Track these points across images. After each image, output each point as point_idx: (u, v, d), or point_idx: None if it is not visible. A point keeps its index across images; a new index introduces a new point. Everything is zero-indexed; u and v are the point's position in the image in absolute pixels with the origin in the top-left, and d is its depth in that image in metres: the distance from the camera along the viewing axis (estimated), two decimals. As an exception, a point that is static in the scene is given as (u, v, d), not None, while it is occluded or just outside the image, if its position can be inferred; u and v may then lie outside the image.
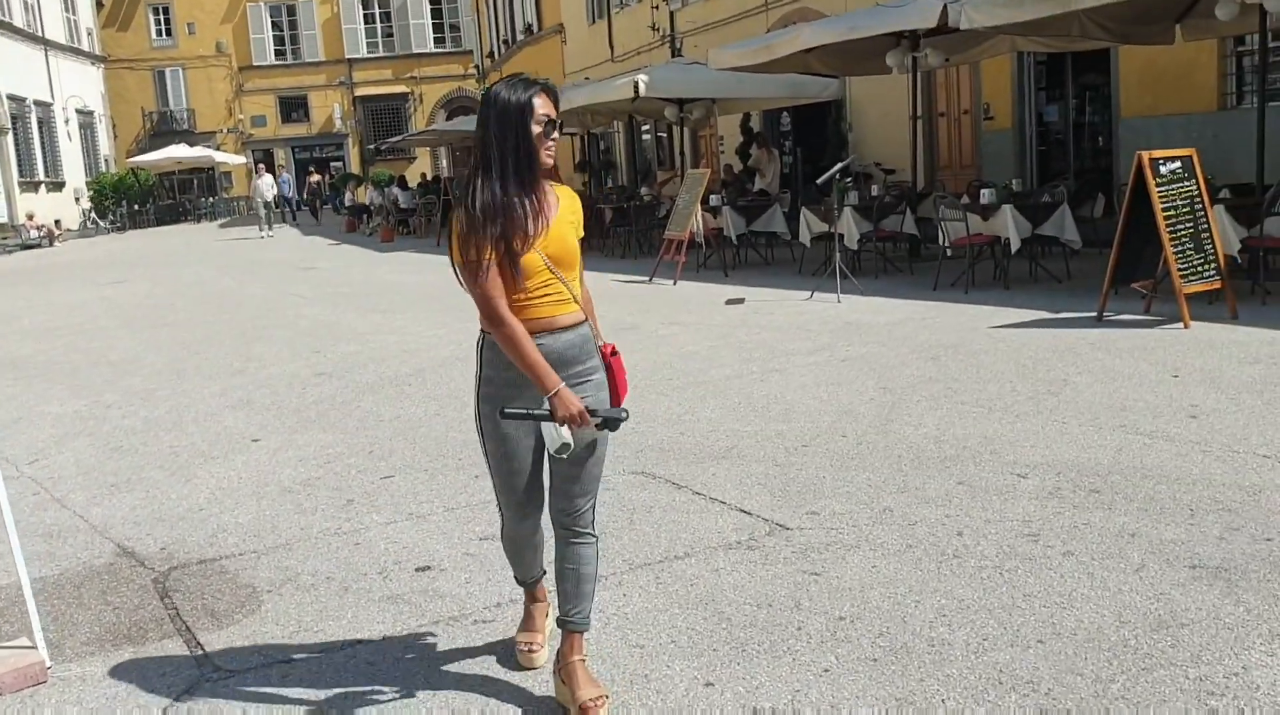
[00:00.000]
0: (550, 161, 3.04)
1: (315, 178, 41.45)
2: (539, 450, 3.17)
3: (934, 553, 4.14)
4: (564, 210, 3.09)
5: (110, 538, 4.98)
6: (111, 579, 4.46)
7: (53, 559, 4.74)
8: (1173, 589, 3.69)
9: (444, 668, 3.49)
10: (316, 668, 3.54)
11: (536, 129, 2.97)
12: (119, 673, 3.59)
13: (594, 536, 3.25)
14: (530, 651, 3.47)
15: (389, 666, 3.52)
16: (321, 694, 3.36)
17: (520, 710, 3.21)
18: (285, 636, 3.79)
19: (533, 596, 3.55)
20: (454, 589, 4.14)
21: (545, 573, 3.53)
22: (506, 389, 3.11)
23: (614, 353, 3.23)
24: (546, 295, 3.04)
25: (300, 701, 3.32)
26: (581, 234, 3.18)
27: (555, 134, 3.03)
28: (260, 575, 4.40)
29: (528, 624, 3.54)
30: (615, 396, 3.20)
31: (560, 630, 3.25)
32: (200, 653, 3.71)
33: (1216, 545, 4.03)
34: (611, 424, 3.05)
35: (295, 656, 3.63)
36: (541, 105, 2.98)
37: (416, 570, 4.35)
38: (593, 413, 3.01)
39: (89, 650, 3.78)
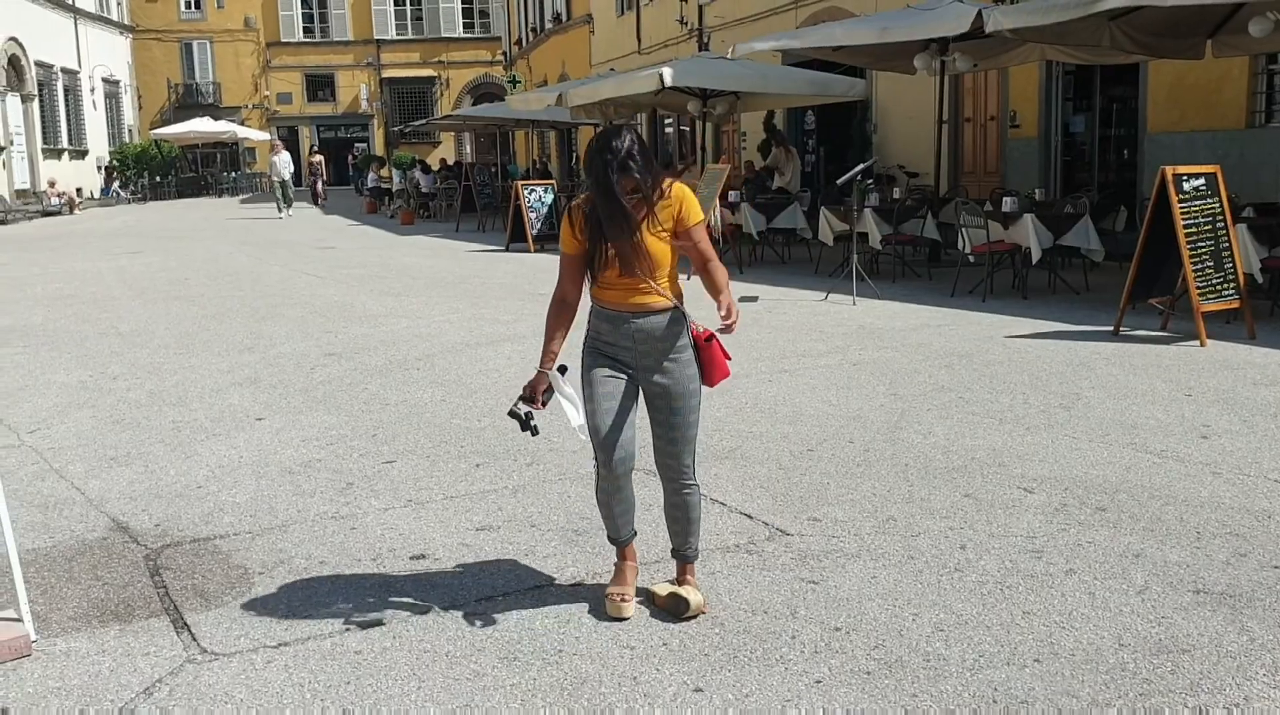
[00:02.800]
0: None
1: (317, 158, 38.43)
2: (625, 405, 3.63)
3: (935, 565, 4.08)
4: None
5: (105, 512, 4.95)
6: (103, 554, 4.43)
7: (46, 530, 4.71)
8: (1175, 613, 3.62)
9: (432, 660, 3.44)
10: (303, 654, 3.50)
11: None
12: (104, 650, 3.56)
13: (695, 485, 3.76)
14: (622, 601, 3.73)
15: (375, 656, 3.47)
16: (305, 680, 3.32)
17: (508, 708, 3.16)
18: (274, 620, 3.76)
19: (623, 555, 3.85)
20: (447, 579, 4.09)
21: (635, 534, 3.86)
22: (591, 345, 3.72)
23: (708, 338, 3.69)
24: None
25: (283, 687, 3.28)
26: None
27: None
28: (253, 556, 4.36)
29: (619, 578, 3.82)
30: (706, 377, 3.73)
31: (674, 560, 3.85)
32: (187, 634, 3.67)
33: (1223, 570, 3.96)
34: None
35: (282, 641, 3.59)
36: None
37: (411, 558, 4.31)
38: (529, 399, 3.63)
39: (75, 625, 3.75)
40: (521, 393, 3.67)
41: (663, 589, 3.80)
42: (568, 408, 3.67)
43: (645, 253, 3.55)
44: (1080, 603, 3.72)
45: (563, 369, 3.69)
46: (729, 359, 3.79)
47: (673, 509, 3.78)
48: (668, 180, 3.61)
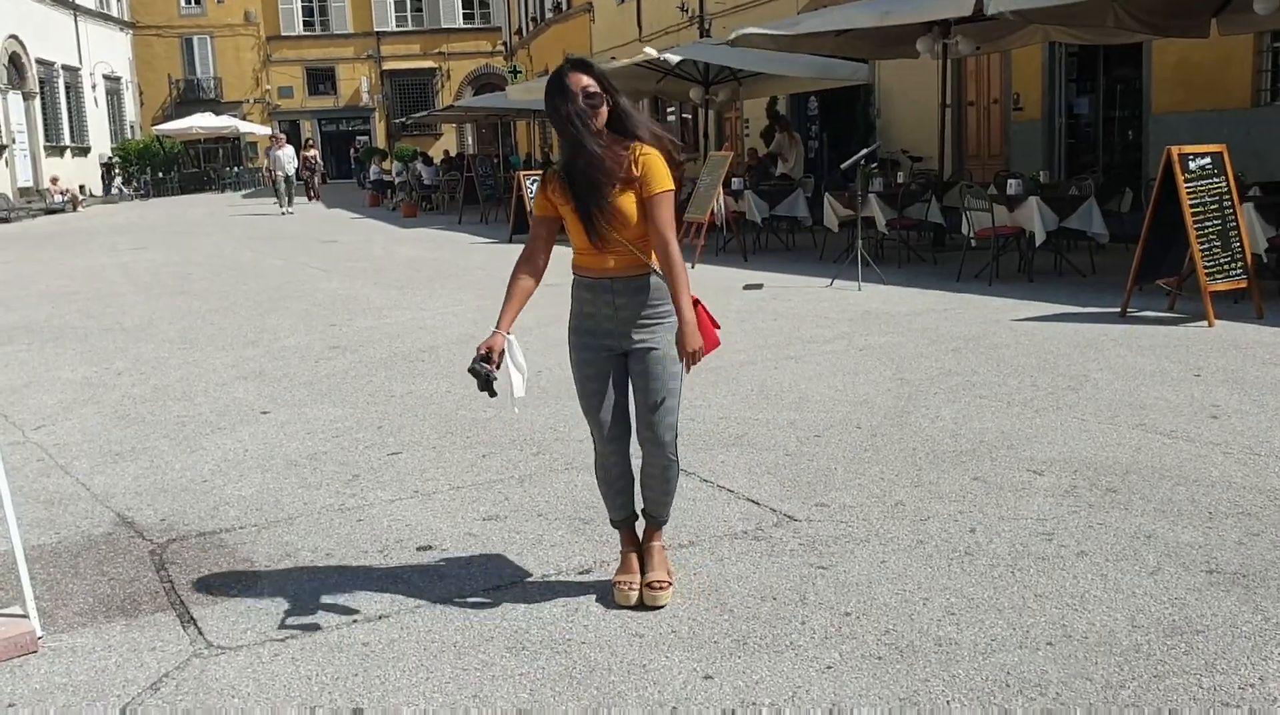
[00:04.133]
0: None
1: (312, 152, 35.69)
2: (618, 378, 3.61)
3: (945, 550, 4.05)
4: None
5: (111, 507, 4.94)
6: (109, 549, 4.42)
7: (52, 526, 4.70)
8: (1188, 594, 3.59)
9: (440, 651, 3.42)
10: (309, 646, 3.48)
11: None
12: (110, 645, 3.54)
13: (673, 460, 3.67)
14: (630, 589, 3.69)
15: (383, 648, 3.45)
16: (313, 673, 3.30)
17: (516, 697, 3.14)
18: (280, 613, 3.74)
19: (627, 541, 3.82)
20: (455, 570, 4.07)
21: (638, 517, 3.83)
22: (576, 321, 3.67)
23: (694, 303, 3.54)
24: None
25: (290, 680, 3.27)
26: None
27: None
28: (259, 550, 4.35)
29: (625, 566, 3.78)
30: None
31: (642, 518, 3.81)
32: (194, 628, 3.65)
33: (1235, 550, 3.93)
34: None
35: (289, 634, 3.57)
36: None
37: (418, 549, 4.29)
38: (486, 358, 3.49)
39: (81, 621, 3.73)
40: (478, 351, 3.51)
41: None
42: (515, 377, 3.56)
43: (614, 212, 3.43)
44: (1092, 585, 3.69)
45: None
46: (717, 327, 3.66)
47: (647, 476, 3.72)
48: (640, 145, 3.46)
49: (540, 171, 20.52)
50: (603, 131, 3.45)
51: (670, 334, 3.55)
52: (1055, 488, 4.67)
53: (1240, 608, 3.48)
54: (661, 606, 3.64)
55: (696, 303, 3.57)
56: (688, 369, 3.55)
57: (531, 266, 3.60)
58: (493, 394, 3.52)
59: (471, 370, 3.52)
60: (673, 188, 3.50)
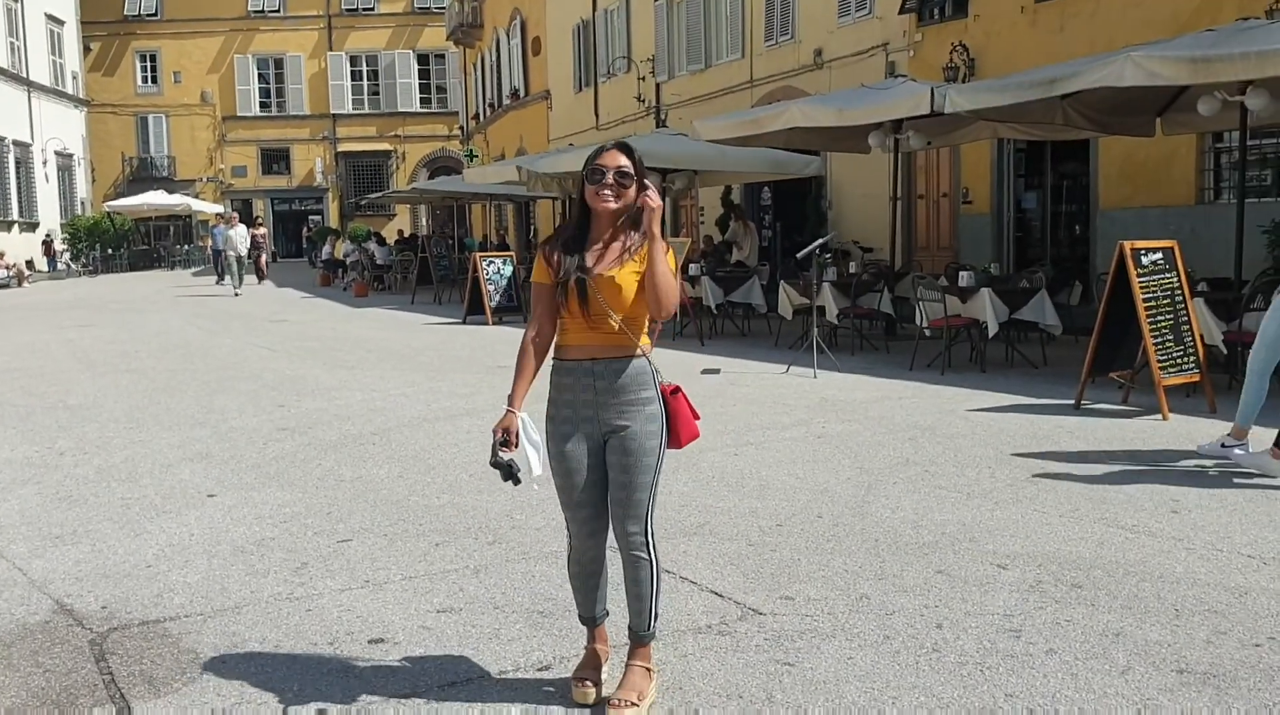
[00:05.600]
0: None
1: (261, 230, 33.61)
2: (597, 467, 3.51)
3: (912, 645, 3.97)
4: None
5: (49, 593, 4.74)
6: (46, 639, 4.22)
7: (-15, 614, 4.50)
8: (1160, 694, 3.54)
9: (392, 751, 3.28)
10: (256, 746, 3.32)
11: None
12: (43, 743, 3.36)
13: (646, 558, 3.51)
14: (585, 687, 3.58)
15: (333, 747, 3.30)
16: (259, 775, 3.14)
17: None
18: (225, 709, 3.57)
19: (593, 636, 3.70)
20: (408, 665, 3.93)
21: (608, 615, 3.72)
22: (554, 408, 3.58)
23: (674, 392, 3.55)
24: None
25: (236, 783, 3.10)
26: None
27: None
28: (205, 640, 4.17)
29: (587, 661, 3.67)
30: (673, 436, 3.56)
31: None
32: (132, 724, 3.48)
33: (1204, 649, 3.88)
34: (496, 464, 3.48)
35: (234, 732, 3.41)
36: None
37: (369, 642, 4.14)
38: (506, 443, 3.46)
39: (13, 717, 3.55)
40: (495, 437, 3.46)
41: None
42: (531, 453, 3.50)
43: (612, 285, 3.41)
44: (1063, 684, 3.62)
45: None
46: (698, 418, 3.61)
47: (627, 581, 3.58)
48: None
49: (500, 253, 20.57)
50: (612, 215, 3.48)
51: (653, 425, 3.48)
52: (1020, 582, 4.62)
53: (1213, 709, 3.42)
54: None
55: (678, 390, 3.56)
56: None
57: (540, 338, 3.56)
58: (517, 483, 3.47)
59: (493, 464, 3.46)
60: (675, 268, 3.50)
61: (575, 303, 3.43)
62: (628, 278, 3.44)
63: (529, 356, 3.55)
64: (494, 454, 3.45)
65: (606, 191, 3.43)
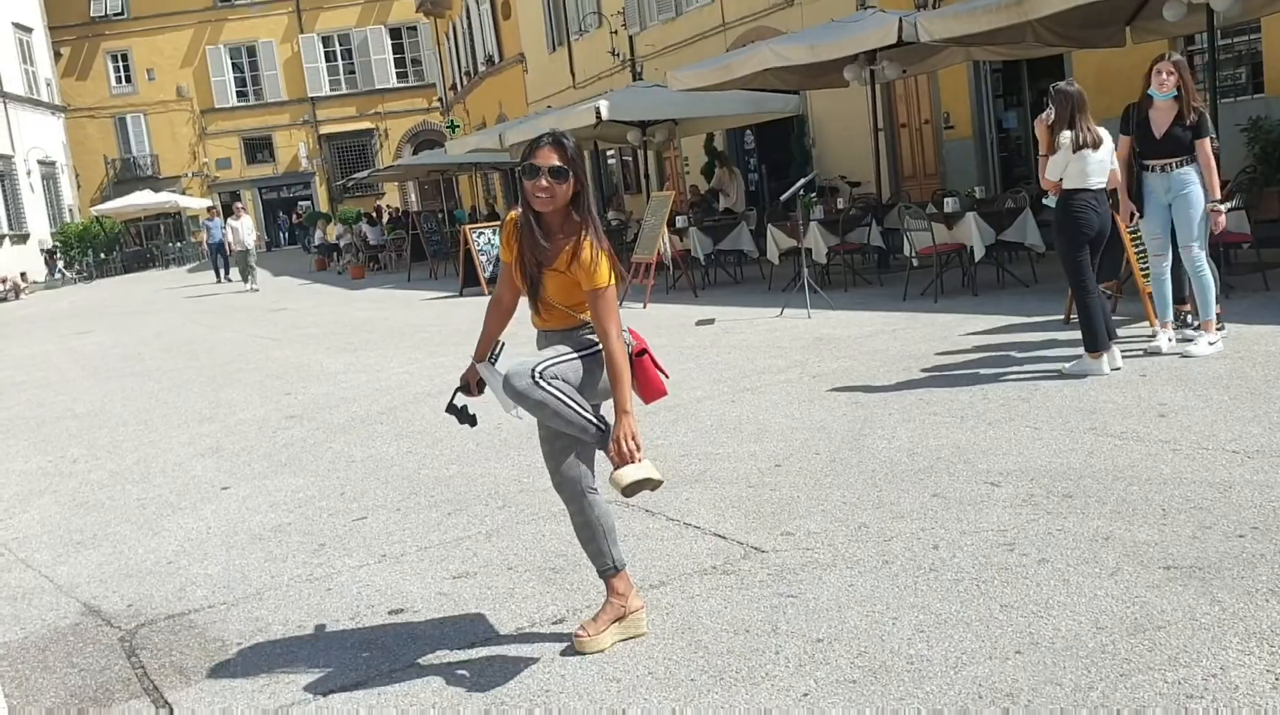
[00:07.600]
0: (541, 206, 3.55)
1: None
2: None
3: (910, 568, 4.11)
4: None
5: (76, 597, 4.89)
6: (77, 640, 4.38)
7: (17, 622, 4.65)
8: (1148, 591, 3.67)
9: None
10: (288, 720, 3.47)
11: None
12: (86, 736, 3.52)
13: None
14: (586, 637, 3.71)
15: (362, 715, 3.45)
16: (293, 747, 3.29)
17: (496, 753, 3.16)
18: (256, 690, 3.72)
19: (611, 588, 3.80)
20: (428, 631, 4.08)
21: (618, 568, 3.78)
22: None
23: (639, 353, 3.71)
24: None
25: (272, 756, 3.26)
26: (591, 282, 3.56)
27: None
28: (230, 627, 4.33)
29: (599, 614, 3.77)
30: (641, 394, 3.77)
31: None
32: (169, 713, 3.63)
33: (1190, 545, 4.02)
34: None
35: (264, 711, 3.56)
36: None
37: (390, 613, 4.29)
38: (465, 390, 3.92)
39: (55, 715, 3.70)
40: (457, 385, 3.92)
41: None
42: (499, 397, 3.72)
43: (557, 281, 3.57)
44: (1055, 591, 3.76)
45: (494, 358, 3.87)
46: (666, 377, 3.79)
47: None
48: (587, 238, 3.52)
49: (489, 223, 20.60)
50: (559, 211, 3.56)
51: (574, 376, 3.59)
52: (1013, 498, 4.76)
53: (1198, 600, 3.56)
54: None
55: (645, 352, 3.71)
56: (614, 455, 3.56)
57: (498, 307, 3.89)
58: (473, 424, 3.90)
59: (449, 407, 3.90)
60: (607, 284, 3.52)
61: (528, 290, 3.66)
62: (569, 281, 3.57)
63: (491, 317, 3.89)
64: (451, 398, 3.90)
65: (540, 193, 3.51)
